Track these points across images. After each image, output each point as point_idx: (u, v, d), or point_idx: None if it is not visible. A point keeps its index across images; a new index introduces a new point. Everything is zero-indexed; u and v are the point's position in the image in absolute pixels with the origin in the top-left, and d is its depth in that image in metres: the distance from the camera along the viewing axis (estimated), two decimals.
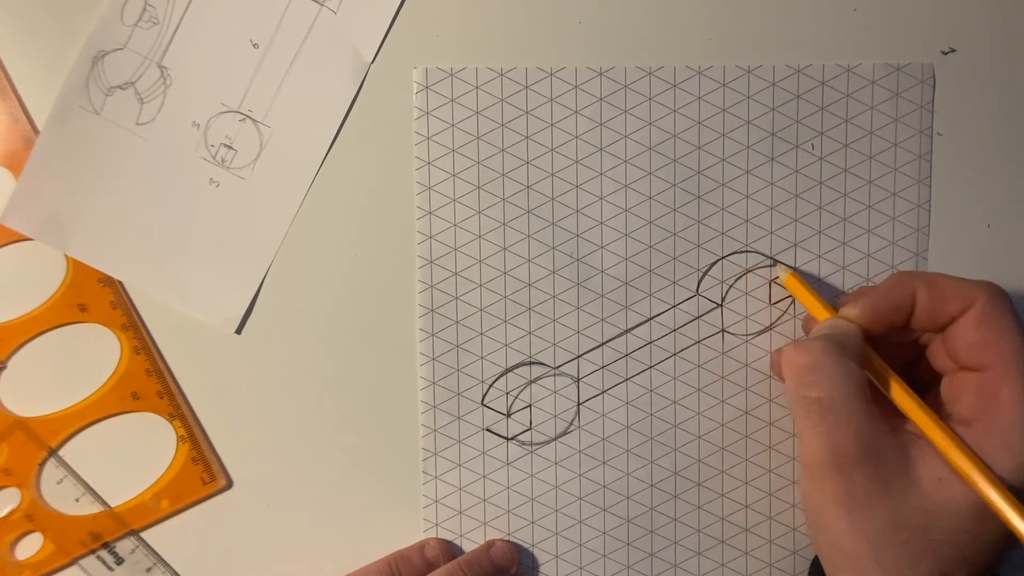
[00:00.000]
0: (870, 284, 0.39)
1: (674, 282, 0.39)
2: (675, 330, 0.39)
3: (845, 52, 0.38)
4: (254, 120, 0.38)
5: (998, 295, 0.32)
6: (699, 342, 0.39)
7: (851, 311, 0.34)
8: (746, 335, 0.39)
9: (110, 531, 0.39)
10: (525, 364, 0.39)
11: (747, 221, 0.39)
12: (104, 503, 0.39)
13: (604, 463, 0.39)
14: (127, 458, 0.39)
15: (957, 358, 0.33)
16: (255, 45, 0.38)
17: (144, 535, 0.39)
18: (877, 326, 0.34)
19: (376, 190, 0.38)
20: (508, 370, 0.39)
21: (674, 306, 0.39)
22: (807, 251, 0.39)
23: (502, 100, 0.38)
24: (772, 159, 0.38)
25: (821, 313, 0.35)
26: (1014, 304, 0.32)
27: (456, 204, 0.38)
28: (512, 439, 0.39)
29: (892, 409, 0.33)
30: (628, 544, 0.40)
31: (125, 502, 0.39)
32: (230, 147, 0.38)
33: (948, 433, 0.31)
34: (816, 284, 0.39)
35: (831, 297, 0.39)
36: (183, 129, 0.38)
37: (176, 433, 0.39)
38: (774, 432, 0.39)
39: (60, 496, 0.39)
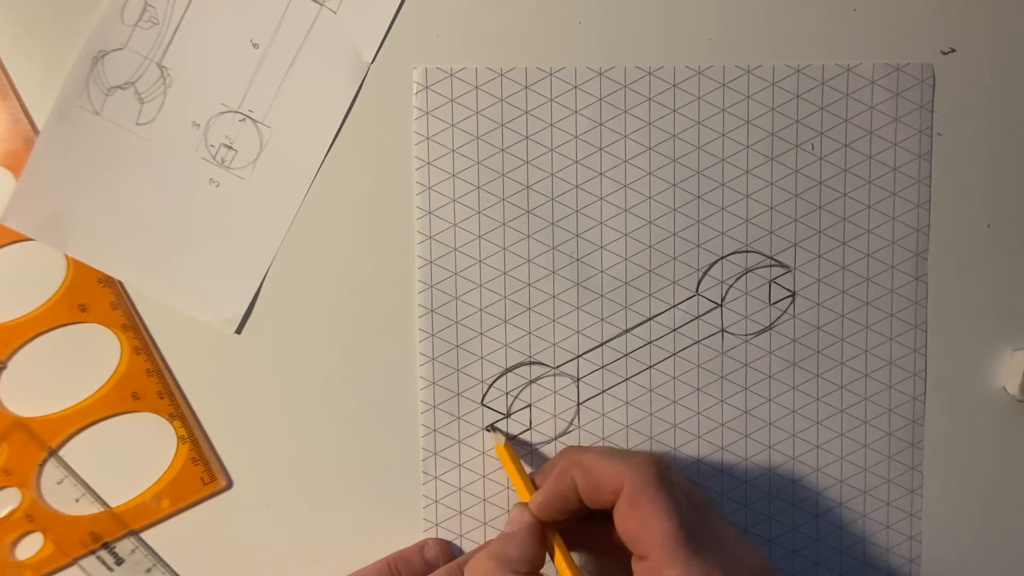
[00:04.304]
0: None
1: (674, 282, 0.39)
2: (675, 330, 0.39)
3: (845, 52, 0.38)
4: (254, 120, 0.38)
5: (644, 476, 0.32)
6: (699, 342, 0.39)
7: (533, 502, 0.34)
8: (746, 335, 0.39)
9: (110, 531, 0.39)
10: (525, 364, 0.39)
11: (747, 221, 0.39)
12: (104, 503, 0.39)
13: None
14: (127, 458, 0.39)
15: (628, 544, 0.32)
16: (255, 45, 0.38)
17: (144, 535, 0.39)
18: (555, 515, 0.34)
19: (376, 190, 0.38)
20: (508, 370, 0.39)
21: (674, 306, 0.39)
22: (807, 251, 0.39)
23: (502, 100, 0.38)
24: (772, 159, 0.38)
25: (523, 492, 0.36)
26: (670, 477, 0.32)
27: (456, 204, 0.38)
28: (513, 439, 0.39)
29: None
30: None
31: (125, 502, 0.39)
32: (230, 147, 0.38)
33: None
34: (816, 285, 0.39)
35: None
36: (183, 129, 0.38)
37: (176, 433, 0.39)
38: (774, 432, 0.39)
39: (60, 496, 0.39)
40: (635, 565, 0.32)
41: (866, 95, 0.38)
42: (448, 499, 0.39)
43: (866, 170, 0.39)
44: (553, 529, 0.35)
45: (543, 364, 0.39)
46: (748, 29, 0.38)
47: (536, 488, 0.36)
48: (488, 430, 0.39)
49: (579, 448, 0.38)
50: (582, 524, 0.36)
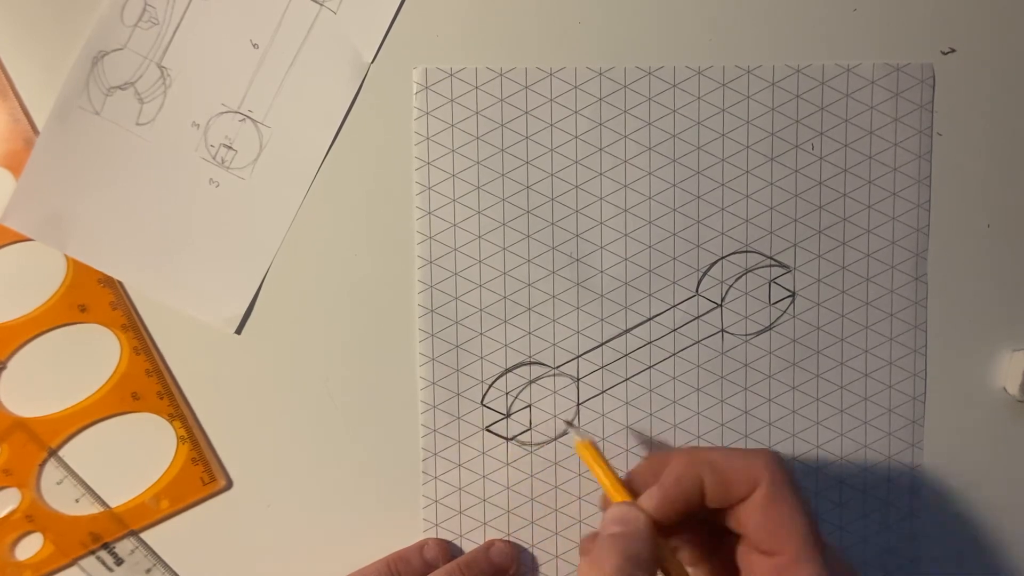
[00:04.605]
0: (691, 447, 0.38)
1: (674, 282, 0.39)
2: (675, 330, 0.39)
3: (845, 52, 0.38)
4: (254, 120, 0.38)
5: (781, 474, 0.32)
6: (699, 342, 0.39)
7: (647, 503, 0.33)
8: (746, 335, 0.39)
9: (110, 531, 0.39)
10: (525, 364, 0.39)
11: (747, 221, 0.39)
12: (104, 503, 0.39)
13: None
14: (127, 458, 0.39)
15: (750, 540, 0.32)
16: (255, 45, 0.38)
17: (144, 535, 0.39)
18: (672, 516, 0.33)
19: (376, 190, 0.38)
20: (508, 370, 0.39)
21: (674, 306, 0.39)
22: (807, 251, 0.39)
23: (502, 100, 0.38)
24: (772, 159, 0.38)
25: (614, 493, 0.34)
26: (795, 477, 0.32)
27: (456, 204, 0.38)
28: (512, 439, 0.39)
29: None
30: None
31: (125, 502, 0.39)
32: (230, 147, 0.38)
33: None
34: (816, 285, 0.39)
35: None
36: (183, 129, 0.38)
37: (176, 433, 0.39)
38: (774, 432, 0.39)
39: (60, 496, 0.39)
40: (759, 561, 0.32)
41: (866, 95, 0.38)
42: (448, 499, 0.39)
43: (866, 170, 0.39)
44: (661, 533, 0.33)
45: (543, 364, 0.39)
46: (748, 29, 0.38)
47: (630, 490, 0.34)
48: (567, 426, 0.38)
49: (697, 448, 0.36)
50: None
